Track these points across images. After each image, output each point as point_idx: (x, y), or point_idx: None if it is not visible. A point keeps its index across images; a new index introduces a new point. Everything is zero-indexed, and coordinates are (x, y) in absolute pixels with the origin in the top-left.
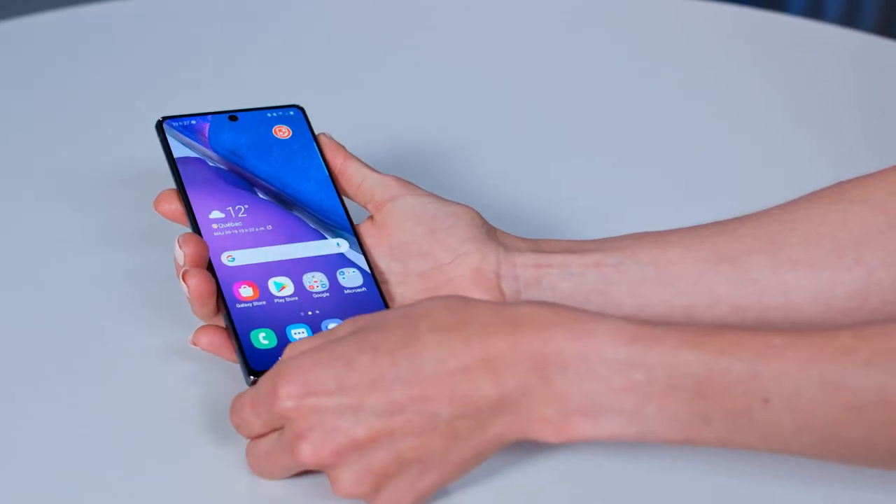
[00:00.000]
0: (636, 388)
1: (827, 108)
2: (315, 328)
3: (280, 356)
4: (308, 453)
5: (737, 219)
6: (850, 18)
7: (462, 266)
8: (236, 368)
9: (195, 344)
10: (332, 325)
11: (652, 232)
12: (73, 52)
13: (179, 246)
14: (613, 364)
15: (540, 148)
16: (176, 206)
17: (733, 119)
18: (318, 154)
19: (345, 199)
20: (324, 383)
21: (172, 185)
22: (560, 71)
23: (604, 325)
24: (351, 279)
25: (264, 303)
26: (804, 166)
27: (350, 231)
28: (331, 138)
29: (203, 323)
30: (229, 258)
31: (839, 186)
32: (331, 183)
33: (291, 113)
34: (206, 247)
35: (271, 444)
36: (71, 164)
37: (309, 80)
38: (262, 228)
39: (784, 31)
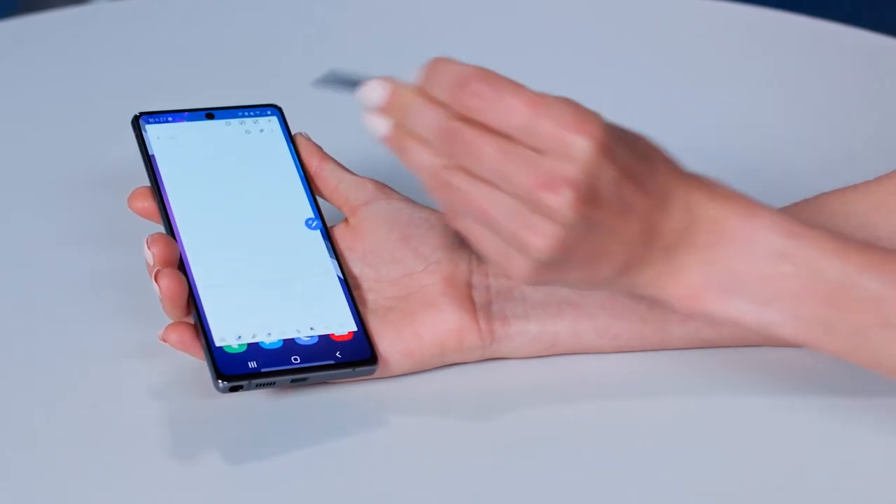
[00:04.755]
0: (779, 279)
1: (838, 108)
2: (286, 333)
3: (248, 361)
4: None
5: None
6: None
7: (433, 275)
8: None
9: (164, 340)
10: (303, 332)
11: None
12: (48, 54)
13: (147, 247)
14: (770, 251)
15: None
16: (149, 203)
17: (736, 120)
18: (294, 154)
19: (320, 200)
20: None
21: (147, 182)
22: (556, 69)
23: (770, 213)
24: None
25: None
26: (809, 167)
27: (323, 233)
28: (307, 138)
29: None
30: None
31: (821, 198)
32: (306, 184)
33: (269, 112)
34: (175, 246)
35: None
36: (47, 162)
37: (287, 80)
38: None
39: (794, 31)
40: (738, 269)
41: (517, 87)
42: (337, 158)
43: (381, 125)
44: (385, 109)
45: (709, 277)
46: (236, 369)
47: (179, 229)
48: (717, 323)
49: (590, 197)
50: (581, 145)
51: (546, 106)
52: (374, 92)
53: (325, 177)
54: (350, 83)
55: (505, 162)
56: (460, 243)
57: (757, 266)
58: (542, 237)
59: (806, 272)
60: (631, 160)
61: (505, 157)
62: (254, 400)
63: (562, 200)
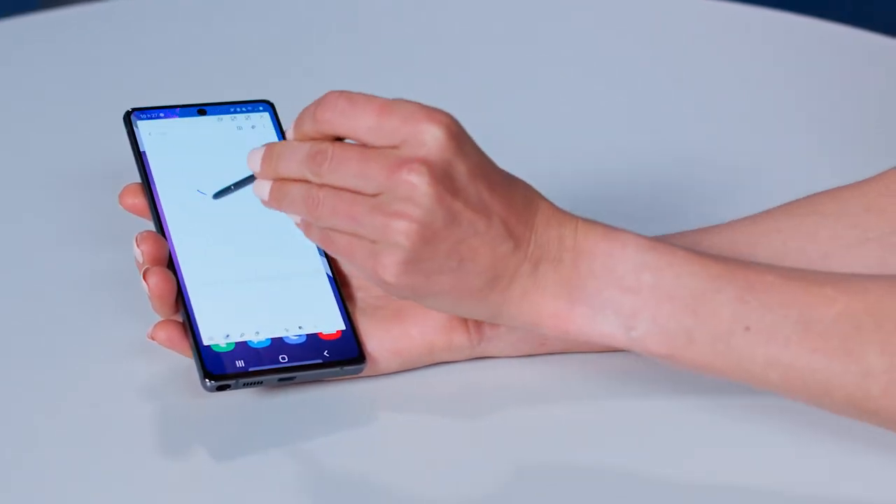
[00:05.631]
0: (641, 290)
1: (839, 110)
2: (274, 332)
3: (236, 360)
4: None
5: (702, 230)
6: None
7: None
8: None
9: (152, 338)
10: (291, 331)
11: None
12: (47, 53)
13: (137, 244)
14: (630, 264)
15: (533, 150)
16: (140, 199)
17: (735, 120)
18: None
19: None
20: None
21: (139, 179)
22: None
23: (629, 232)
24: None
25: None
26: (808, 167)
27: None
28: None
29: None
30: None
31: (812, 198)
32: None
33: (261, 108)
34: (164, 244)
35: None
36: (45, 161)
37: (280, 77)
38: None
39: (794, 31)
40: (604, 285)
41: (368, 96)
42: None
43: (263, 188)
44: (264, 168)
45: (573, 294)
46: (224, 368)
47: (169, 226)
48: (590, 344)
49: (445, 178)
50: (432, 131)
51: (394, 105)
52: (253, 157)
53: None
54: (241, 181)
55: (363, 162)
56: None
57: (621, 280)
58: (405, 220)
59: (666, 280)
60: (484, 160)
61: (363, 156)
62: (243, 398)
63: (417, 177)
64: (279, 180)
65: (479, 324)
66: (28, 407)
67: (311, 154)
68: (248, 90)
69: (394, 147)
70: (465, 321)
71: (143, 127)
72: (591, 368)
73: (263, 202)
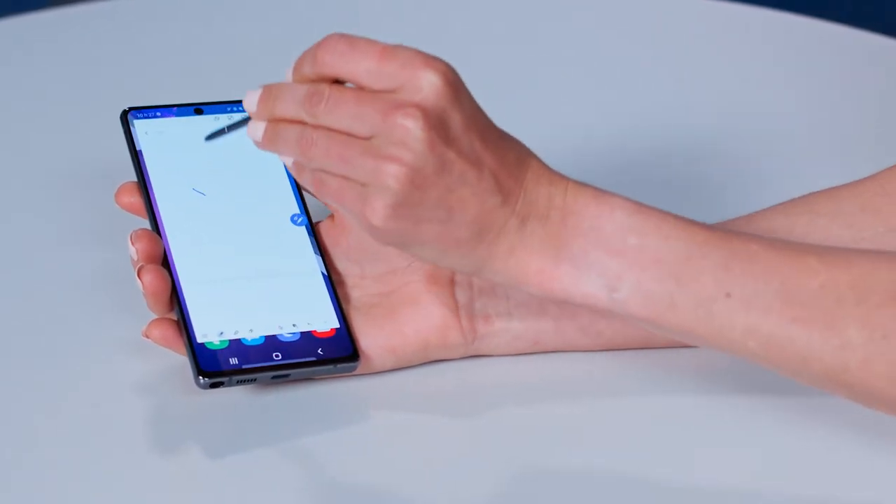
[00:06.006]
0: (626, 252)
1: (839, 110)
2: (268, 329)
3: (230, 358)
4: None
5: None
6: None
7: (417, 272)
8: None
9: (147, 336)
10: (285, 329)
11: None
12: (44, 53)
13: (132, 242)
14: (617, 227)
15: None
16: (136, 198)
17: (735, 120)
18: None
19: (306, 196)
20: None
21: (135, 177)
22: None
23: (617, 196)
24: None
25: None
26: (808, 167)
27: (308, 229)
28: None
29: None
30: None
31: (808, 197)
32: (292, 180)
33: None
34: (159, 242)
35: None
36: (43, 160)
37: (277, 76)
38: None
39: (794, 31)
40: (590, 245)
41: (369, 40)
42: None
43: (257, 129)
44: (260, 108)
45: (559, 252)
46: (217, 365)
47: (164, 225)
48: (574, 306)
49: (439, 125)
50: (429, 77)
51: (395, 50)
52: (250, 98)
53: None
54: (235, 123)
55: (359, 103)
56: None
57: (607, 242)
58: (396, 164)
59: (651, 244)
60: (479, 113)
61: (360, 98)
62: (237, 396)
63: (411, 122)
64: (274, 121)
65: (473, 323)
66: (23, 405)
67: (308, 94)
68: (245, 89)
69: (391, 91)
70: (459, 320)
71: (140, 126)
72: (587, 367)
73: (256, 143)
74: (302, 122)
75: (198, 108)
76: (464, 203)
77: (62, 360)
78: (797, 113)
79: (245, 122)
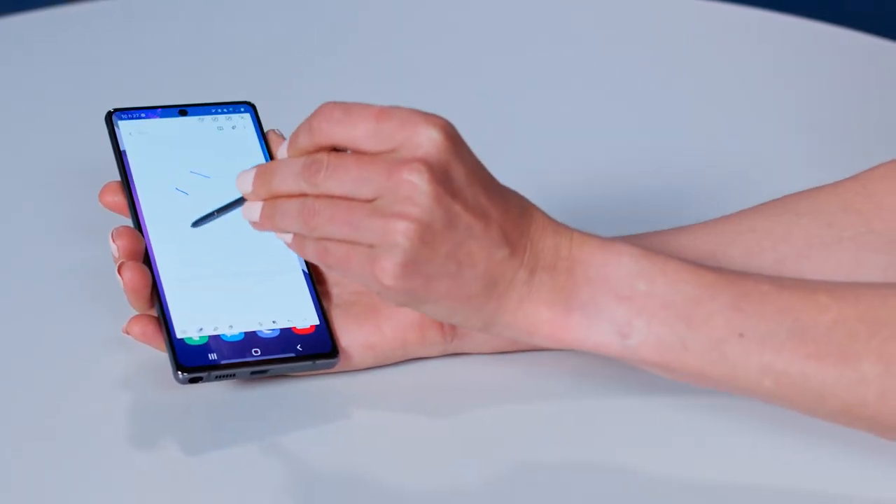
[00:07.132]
0: (635, 298)
1: (838, 111)
2: (248, 326)
3: (209, 353)
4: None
5: (678, 228)
6: None
7: None
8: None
9: (127, 333)
10: (264, 325)
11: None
12: (40, 53)
13: (112, 239)
14: (625, 273)
15: (532, 150)
16: (119, 198)
17: (734, 120)
18: (266, 151)
19: None
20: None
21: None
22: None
23: (624, 242)
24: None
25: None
26: (807, 168)
27: None
28: (280, 135)
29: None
30: None
31: (788, 198)
32: None
33: (242, 109)
34: (140, 239)
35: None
36: (34, 158)
37: (261, 78)
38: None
39: (793, 32)
40: (597, 293)
41: (363, 104)
42: None
43: (254, 210)
44: (257, 187)
45: (569, 302)
46: (196, 361)
47: (146, 223)
48: (585, 352)
49: (443, 178)
50: (429, 133)
51: (391, 110)
52: (243, 178)
53: None
54: (224, 207)
55: (362, 166)
56: None
57: (616, 288)
58: (405, 220)
59: (660, 289)
60: (479, 166)
61: (360, 161)
62: (216, 392)
63: (417, 176)
64: (271, 198)
65: None
66: (0, 399)
67: (306, 165)
68: (247, 91)
69: (391, 151)
70: None
71: (124, 127)
72: (567, 365)
73: (254, 224)
74: (301, 196)
75: (182, 110)
76: (472, 257)
77: (42, 356)
78: (796, 114)
79: (236, 204)
